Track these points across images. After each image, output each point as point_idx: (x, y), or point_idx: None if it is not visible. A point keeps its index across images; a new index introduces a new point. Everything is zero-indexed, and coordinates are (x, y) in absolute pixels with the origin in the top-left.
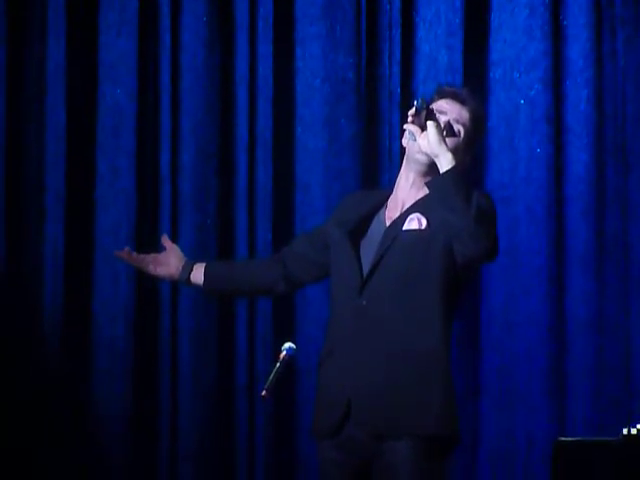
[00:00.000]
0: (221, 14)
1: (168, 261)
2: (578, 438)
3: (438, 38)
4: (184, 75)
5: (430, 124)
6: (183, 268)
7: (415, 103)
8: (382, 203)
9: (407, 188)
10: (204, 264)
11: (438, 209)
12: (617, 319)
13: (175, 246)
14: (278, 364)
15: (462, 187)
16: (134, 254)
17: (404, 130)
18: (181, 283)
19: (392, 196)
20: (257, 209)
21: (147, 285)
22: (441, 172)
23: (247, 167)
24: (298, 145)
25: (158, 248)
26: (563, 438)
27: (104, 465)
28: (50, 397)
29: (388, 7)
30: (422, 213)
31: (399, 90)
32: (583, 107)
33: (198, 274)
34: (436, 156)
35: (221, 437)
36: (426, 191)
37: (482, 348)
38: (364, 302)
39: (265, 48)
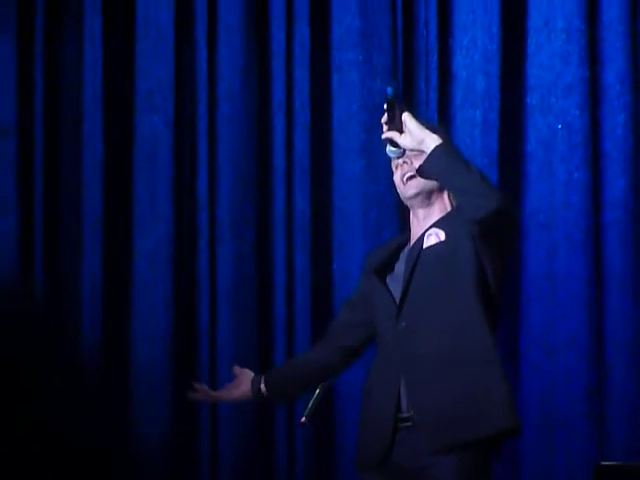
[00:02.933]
0: (257, 42)
1: (240, 383)
2: (619, 462)
3: (475, 64)
4: (221, 103)
5: (405, 115)
6: (252, 383)
7: (387, 93)
8: (405, 243)
9: (420, 223)
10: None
11: (441, 181)
12: None
13: (246, 370)
14: (317, 391)
15: (456, 154)
16: (210, 391)
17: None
18: (257, 399)
19: (412, 236)
20: (295, 236)
21: (185, 311)
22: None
23: (285, 194)
24: (335, 171)
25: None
26: (604, 462)
27: None
28: (90, 423)
29: (424, 33)
30: (438, 227)
31: (436, 116)
32: (620, 132)
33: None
34: (422, 142)
35: (260, 463)
36: (438, 217)
37: (522, 372)
38: (403, 324)
39: (302, 75)
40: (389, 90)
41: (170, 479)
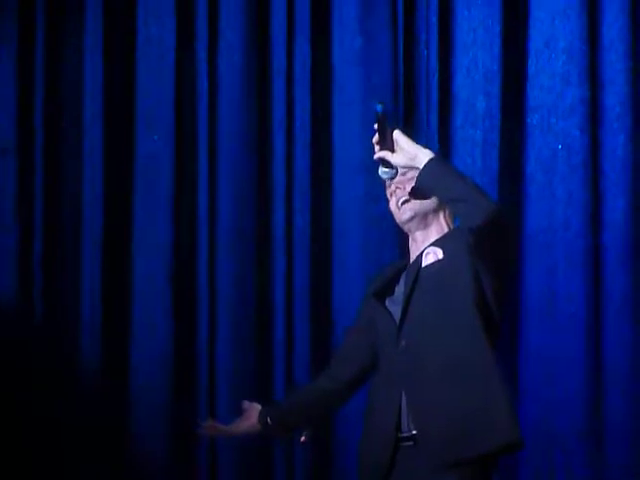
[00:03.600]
0: (258, 60)
1: (249, 417)
2: None
3: (475, 84)
4: (221, 121)
5: (396, 133)
6: (259, 415)
7: (377, 110)
8: (404, 268)
9: (418, 246)
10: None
11: (436, 194)
12: None
13: (254, 404)
14: None
15: (449, 166)
16: (219, 426)
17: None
18: (264, 432)
19: (410, 259)
20: (295, 255)
21: (184, 328)
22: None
23: (285, 213)
24: (336, 191)
25: None
26: None
27: None
28: (89, 444)
29: (425, 52)
30: (435, 246)
31: (436, 136)
32: (620, 153)
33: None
34: (415, 157)
35: (260, 474)
36: (435, 238)
37: (519, 395)
38: (403, 343)
39: (302, 93)
40: (378, 107)
41: None
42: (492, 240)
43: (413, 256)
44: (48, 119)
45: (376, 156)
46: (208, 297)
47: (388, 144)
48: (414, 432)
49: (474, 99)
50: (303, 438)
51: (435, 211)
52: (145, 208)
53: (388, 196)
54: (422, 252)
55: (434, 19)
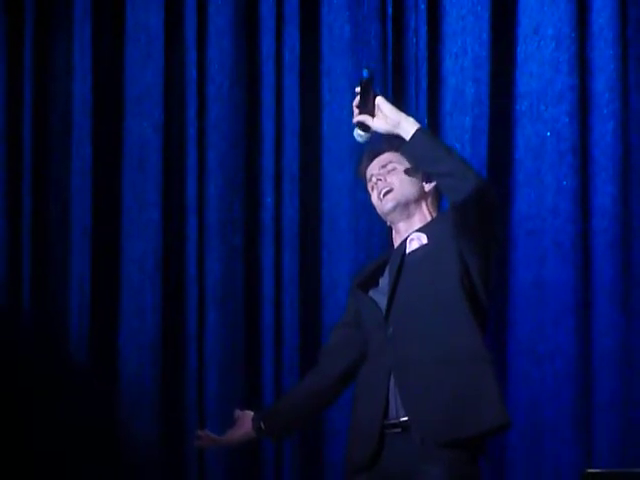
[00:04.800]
0: (247, 47)
1: (242, 424)
2: (606, 470)
3: (464, 71)
4: (210, 108)
5: (379, 99)
6: (252, 421)
7: (363, 75)
8: (388, 260)
9: (402, 237)
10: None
11: (423, 167)
12: None
13: (247, 411)
14: None
15: (436, 138)
16: (214, 436)
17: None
18: (259, 437)
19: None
20: (284, 243)
21: (173, 316)
22: (408, 135)
23: (274, 200)
24: (325, 178)
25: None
26: (591, 470)
27: None
28: (76, 430)
29: (414, 39)
30: (419, 232)
31: (426, 123)
32: (609, 139)
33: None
34: (397, 124)
35: (249, 469)
36: (417, 226)
37: (509, 380)
38: (391, 330)
39: (291, 80)
40: (365, 72)
41: None
42: (478, 219)
43: (395, 244)
44: (36, 106)
45: (355, 119)
46: (197, 285)
47: (369, 109)
48: (402, 419)
49: (463, 85)
50: None
51: (417, 201)
52: (134, 195)
53: (369, 190)
54: (406, 239)
55: (423, 6)
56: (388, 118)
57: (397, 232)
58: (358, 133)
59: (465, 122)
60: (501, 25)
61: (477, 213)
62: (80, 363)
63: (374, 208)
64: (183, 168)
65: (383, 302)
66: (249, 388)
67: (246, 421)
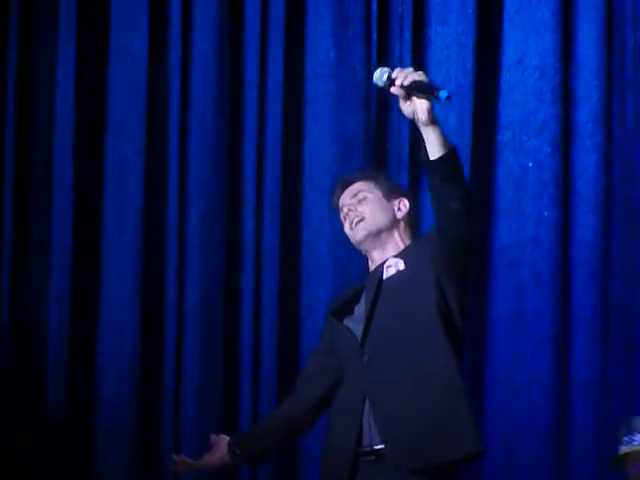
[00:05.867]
0: (231, 72)
1: (218, 449)
2: None
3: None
4: (192, 132)
5: (426, 103)
6: (228, 446)
7: (443, 95)
8: (363, 288)
9: (375, 265)
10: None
11: (443, 186)
12: (621, 384)
13: (222, 436)
14: None
15: (461, 165)
16: (189, 461)
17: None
18: (235, 461)
19: None
20: (264, 267)
21: (152, 337)
22: (437, 152)
23: (254, 226)
24: (305, 205)
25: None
26: None
27: None
28: (54, 449)
29: (398, 67)
30: (396, 257)
31: (407, 151)
32: (591, 170)
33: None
34: (424, 123)
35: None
36: (392, 254)
37: (486, 410)
38: (366, 357)
39: (274, 106)
40: (444, 93)
41: None
42: (462, 246)
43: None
44: (19, 126)
45: (411, 78)
46: (176, 307)
47: (413, 91)
48: (376, 447)
49: (446, 115)
50: None
51: (389, 229)
52: (115, 217)
53: (342, 220)
54: (382, 264)
55: (408, 34)
56: (419, 113)
57: (372, 261)
58: (383, 70)
59: None
60: (485, 55)
61: (463, 241)
62: (58, 383)
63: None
64: (164, 191)
65: (358, 330)
66: (226, 411)
67: (222, 445)
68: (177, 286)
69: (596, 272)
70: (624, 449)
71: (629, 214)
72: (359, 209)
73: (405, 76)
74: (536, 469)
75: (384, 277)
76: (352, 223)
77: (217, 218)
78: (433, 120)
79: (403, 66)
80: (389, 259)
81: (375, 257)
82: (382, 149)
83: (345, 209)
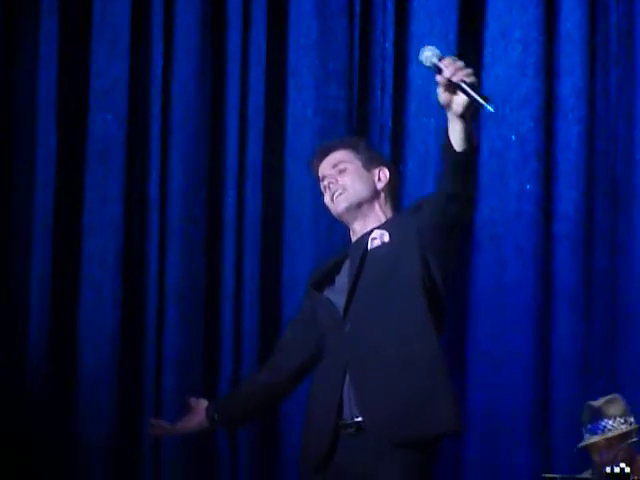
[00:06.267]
0: (213, 44)
1: (196, 414)
2: (562, 475)
3: (430, 73)
4: (175, 103)
5: (466, 100)
6: (206, 411)
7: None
8: (344, 258)
9: (356, 237)
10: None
11: (458, 179)
12: (603, 357)
13: (201, 400)
14: None
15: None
16: (167, 425)
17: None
18: (213, 427)
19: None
20: (245, 240)
21: (133, 311)
22: (463, 144)
23: (236, 197)
24: (288, 176)
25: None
26: (547, 475)
27: None
28: (35, 423)
29: (381, 40)
30: (381, 229)
31: (390, 123)
32: (574, 144)
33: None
34: (454, 116)
35: (204, 460)
36: (373, 225)
37: (467, 384)
38: (348, 327)
39: (257, 78)
40: (491, 107)
41: (114, 475)
42: (453, 226)
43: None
44: (1, 97)
45: (460, 77)
46: (157, 280)
47: (464, 90)
48: (356, 419)
49: (429, 87)
50: None
51: (370, 201)
52: (96, 189)
53: (322, 190)
54: (366, 234)
55: (390, 6)
56: (456, 106)
57: (353, 232)
58: (434, 53)
59: (430, 124)
60: (469, 28)
61: (460, 221)
62: (39, 356)
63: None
64: (146, 163)
65: (340, 300)
66: (207, 383)
67: (200, 410)
68: (158, 259)
69: (578, 246)
70: (589, 438)
71: (612, 188)
72: (339, 181)
73: (455, 71)
74: (517, 443)
75: (369, 248)
76: (333, 195)
77: (199, 190)
78: (466, 114)
79: (385, 38)
80: (374, 231)
81: (356, 228)
82: (364, 121)
83: (326, 181)
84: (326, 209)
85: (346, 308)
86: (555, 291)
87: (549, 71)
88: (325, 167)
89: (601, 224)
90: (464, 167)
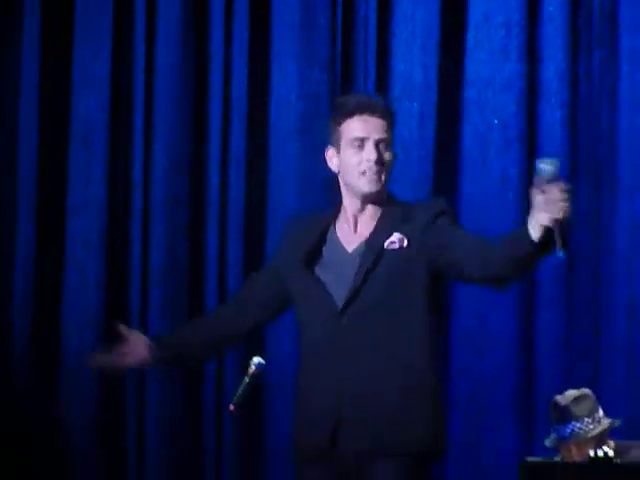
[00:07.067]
0: (196, 28)
1: (135, 349)
2: (544, 459)
3: (414, 56)
4: (158, 87)
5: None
6: (149, 349)
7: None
8: (327, 226)
9: (355, 211)
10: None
11: (503, 257)
12: (586, 342)
13: (134, 331)
14: (247, 378)
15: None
16: (104, 356)
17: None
18: (157, 363)
19: (340, 220)
20: (229, 222)
21: (116, 292)
22: (537, 237)
23: (220, 181)
24: (271, 161)
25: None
26: (530, 459)
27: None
28: (16, 403)
29: (364, 24)
30: (402, 233)
31: None
32: (557, 129)
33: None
34: (542, 224)
35: (188, 449)
36: (377, 214)
37: (451, 371)
38: (345, 321)
39: (240, 63)
40: (560, 254)
41: (96, 465)
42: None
43: (347, 216)
44: None
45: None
46: (141, 262)
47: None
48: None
49: (412, 71)
50: (232, 407)
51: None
52: (79, 171)
53: (349, 147)
54: (382, 233)
55: None
56: (539, 216)
57: (353, 205)
58: (555, 164)
59: (413, 108)
60: (451, 11)
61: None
62: (23, 337)
63: (321, 187)
64: (129, 146)
65: (337, 292)
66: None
67: (139, 346)
68: (142, 241)
69: None
70: (557, 440)
71: (595, 172)
72: (385, 157)
73: (565, 213)
74: (501, 428)
75: (385, 247)
76: (372, 171)
77: (182, 171)
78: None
79: (368, 22)
80: (394, 234)
81: (357, 204)
82: None
83: (370, 146)
84: (310, 191)
85: (348, 302)
86: (538, 275)
87: (532, 54)
88: (378, 128)
89: (584, 207)
90: (523, 262)
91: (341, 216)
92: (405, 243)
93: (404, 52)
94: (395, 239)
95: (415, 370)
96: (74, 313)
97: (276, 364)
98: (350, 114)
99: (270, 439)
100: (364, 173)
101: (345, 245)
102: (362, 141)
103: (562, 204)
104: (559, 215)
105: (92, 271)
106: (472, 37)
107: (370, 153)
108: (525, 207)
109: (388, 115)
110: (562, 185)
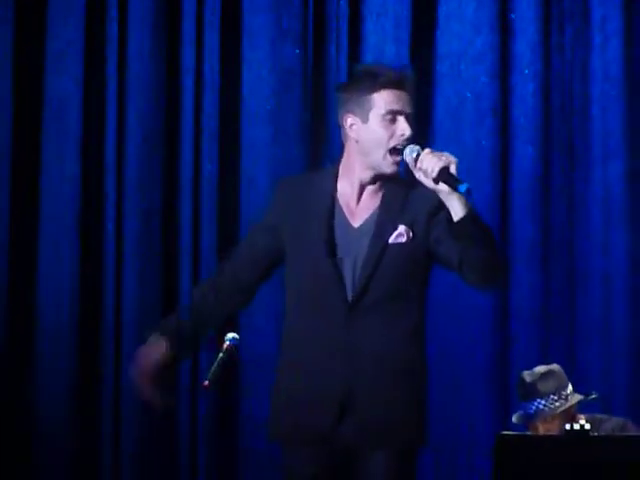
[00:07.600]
0: (168, 3)
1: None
2: (520, 433)
3: (385, 30)
4: (130, 64)
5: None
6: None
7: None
8: (329, 192)
9: (364, 181)
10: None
11: (465, 246)
12: (562, 313)
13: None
14: (221, 354)
15: (485, 224)
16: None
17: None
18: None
19: (342, 183)
20: (202, 199)
21: (91, 274)
22: (459, 214)
23: (193, 156)
24: (244, 135)
25: None
26: (505, 432)
27: (44, 453)
28: None
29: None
30: (407, 219)
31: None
32: (530, 100)
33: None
34: (449, 195)
35: (163, 426)
36: (382, 187)
37: (426, 341)
38: (349, 312)
39: (212, 38)
40: (463, 187)
41: (71, 442)
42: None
43: (352, 186)
44: None
45: (437, 169)
46: (115, 241)
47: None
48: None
49: (383, 45)
50: (206, 383)
51: None
52: (53, 150)
53: (387, 121)
54: (388, 224)
55: None
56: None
57: (359, 176)
58: (414, 149)
59: None
60: None
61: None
62: None
63: (295, 163)
64: (103, 123)
65: (340, 266)
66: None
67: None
68: (116, 219)
69: (535, 201)
70: (523, 417)
71: (568, 143)
72: (408, 134)
73: (433, 166)
74: (476, 401)
75: (390, 241)
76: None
77: (155, 148)
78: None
79: None
80: (400, 226)
81: (365, 177)
82: (320, 79)
83: (402, 122)
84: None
85: (357, 297)
86: (513, 247)
87: (504, 27)
88: (410, 103)
89: (557, 179)
90: (473, 229)
91: (342, 180)
92: (411, 235)
93: (376, 26)
94: (402, 231)
95: (412, 365)
96: (49, 291)
97: (249, 339)
98: (386, 85)
99: (244, 415)
100: (391, 152)
101: (350, 218)
102: (394, 114)
103: (434, 158)
104: (440, 165)
105: (66, 249)
106: (444, 10)
107: (406, 129)
108: (500, 177)
109: (414, 91)
110: (425, 150)
